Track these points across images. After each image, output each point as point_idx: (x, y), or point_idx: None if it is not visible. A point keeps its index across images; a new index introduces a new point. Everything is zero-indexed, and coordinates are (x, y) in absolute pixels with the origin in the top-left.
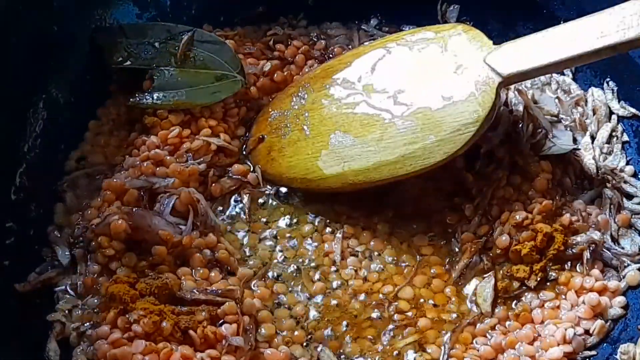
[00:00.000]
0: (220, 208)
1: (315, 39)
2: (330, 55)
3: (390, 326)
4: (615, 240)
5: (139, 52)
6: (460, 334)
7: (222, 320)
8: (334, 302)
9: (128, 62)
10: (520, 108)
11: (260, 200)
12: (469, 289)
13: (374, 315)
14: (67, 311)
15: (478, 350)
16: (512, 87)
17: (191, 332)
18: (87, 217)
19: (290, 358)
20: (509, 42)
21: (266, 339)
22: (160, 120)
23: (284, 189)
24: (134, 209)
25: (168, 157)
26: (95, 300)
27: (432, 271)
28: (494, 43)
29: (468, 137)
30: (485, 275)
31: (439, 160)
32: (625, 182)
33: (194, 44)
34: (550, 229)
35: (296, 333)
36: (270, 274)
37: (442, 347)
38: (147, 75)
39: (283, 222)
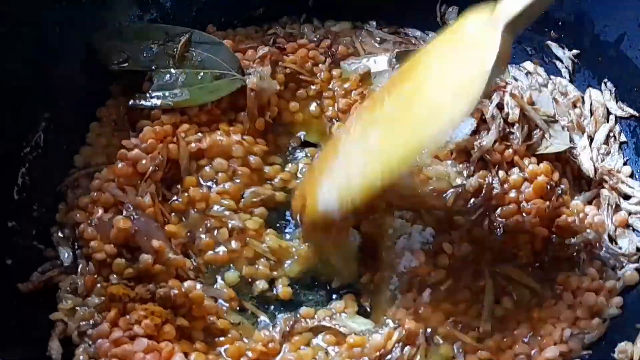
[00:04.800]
0: None
1: (316, 39)
2: (335, 54)
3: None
4: (612, 241)
5: (137, 54)
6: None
7: None
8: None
9: (126, 64)
10: (517, 111)
11: None
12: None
13: None
14: (69, 310)
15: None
16: (507, 90)
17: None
18: (84, 217)
19: None
20: None
21: None
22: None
23: None
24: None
25: None
26: (97, 300)
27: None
28: None
29: (479, 89)
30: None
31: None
32: (622, 182)
33: (192, 45)
34: (547, 231)
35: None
36: None
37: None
38: (146, 77)
39: None
